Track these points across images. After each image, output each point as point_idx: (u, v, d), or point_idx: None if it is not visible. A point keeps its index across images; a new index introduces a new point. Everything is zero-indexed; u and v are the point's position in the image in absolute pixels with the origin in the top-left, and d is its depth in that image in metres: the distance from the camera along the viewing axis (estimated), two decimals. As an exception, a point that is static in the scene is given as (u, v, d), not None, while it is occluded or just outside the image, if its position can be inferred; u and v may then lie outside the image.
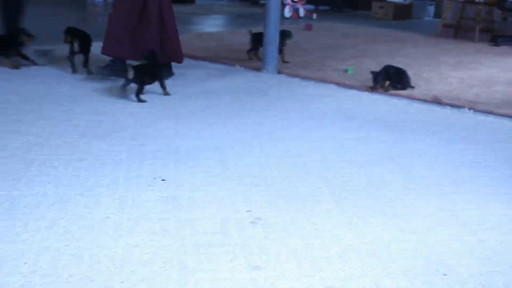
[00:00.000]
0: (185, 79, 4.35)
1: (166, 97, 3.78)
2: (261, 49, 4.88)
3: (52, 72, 4.30)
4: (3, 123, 3.04)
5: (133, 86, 3.66)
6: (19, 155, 2.58)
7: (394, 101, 4.07)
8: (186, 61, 5.04)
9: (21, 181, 2.31)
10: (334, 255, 1.88)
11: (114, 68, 4.05)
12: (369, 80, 4.31)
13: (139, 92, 3.60)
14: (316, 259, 1.85)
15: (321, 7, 11.20)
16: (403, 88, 4.29)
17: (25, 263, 1.72)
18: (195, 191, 2.32)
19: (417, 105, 3.98)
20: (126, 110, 3.42)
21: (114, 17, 4.10)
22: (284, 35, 4.89)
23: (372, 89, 4.27)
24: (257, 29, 5.14)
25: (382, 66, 4.37)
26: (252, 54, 5.10)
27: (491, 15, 7.80)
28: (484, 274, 1.80)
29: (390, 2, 10.25)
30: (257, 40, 4.94)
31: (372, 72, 4.30)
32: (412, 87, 4.32)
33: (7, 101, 3.46)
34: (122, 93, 3.67)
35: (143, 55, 3.76)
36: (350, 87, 4.39)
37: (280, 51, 4.85)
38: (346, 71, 4.88)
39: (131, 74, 3.57)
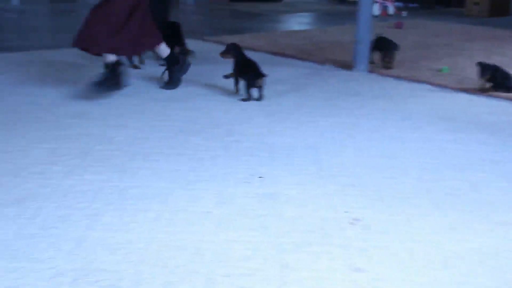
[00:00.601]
0: (276, 77, 4.37)
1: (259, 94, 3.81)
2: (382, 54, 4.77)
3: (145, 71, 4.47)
4: (109, 116, 3.18)
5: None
6: (124, 149, 2.70)
7: (493, 102, 3.90)
8: (275, 58, 5.09)
9: (126, 172, 2.42)
10: (438, 261, 1.83)
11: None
12: (466, 80, 4.14)
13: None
14: (418, 264, 1.81)
15: (411, 5, 10.90)
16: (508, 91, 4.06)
17: (134, 252, 1.80)
18: (292, 189, 2.33)
19: (519, 107, 3.79)
20: (220, 106, 3.49)
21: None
22: (391, 45, 4.73)
23: (483, 89, 4.07)
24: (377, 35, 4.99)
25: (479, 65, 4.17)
26: (377, 59, 4.86)
27: None
28: None
29: (485, -2, 9.82)
30: (378, 45, 4.77)
31: (480, 64, 4.07)
32: None
33: (111, 96, 3.62)
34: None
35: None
36: (445, 87, 4.25)
37: (385, 59, 4.73)
38: (440, 70, 4.73)
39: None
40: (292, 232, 1.98)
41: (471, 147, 2.95)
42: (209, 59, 4.87)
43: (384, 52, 4.73)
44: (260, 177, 2.43)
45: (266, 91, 3.87)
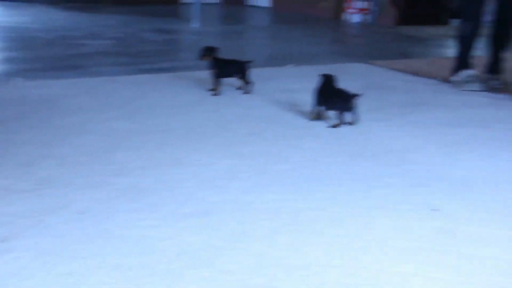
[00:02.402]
0: (444, 104, 4.21)
1: (428, 122, 3.69)
2: None
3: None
4: (282, 138, 3.29)
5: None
6: (300, 170, 2.76)
7: None
8: (444, 85, 4.89)
9: (303, 194, 2.48)
10: None
11: None
12: None
13: None
14: None
15: None
16: None
17: (312, 275, 1.84)
18: (472, 226, 2.22)
19: None
20: (389, 133, 3.44)
21: None
22: None
23: None
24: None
25: None
26: None
27: None
28: None
29: None
30: None
31: None
32: None
33: (279, 116, 3.73)
34: None
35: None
36: None
37: None
38: None
39: None
40: (472, 272, 1.88)
41: None
42: (374, 83, 4.84)
43: None
44: (436, 209, 2.35)
45: (435, 119, 3.75)
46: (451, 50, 7.57)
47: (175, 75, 4.87)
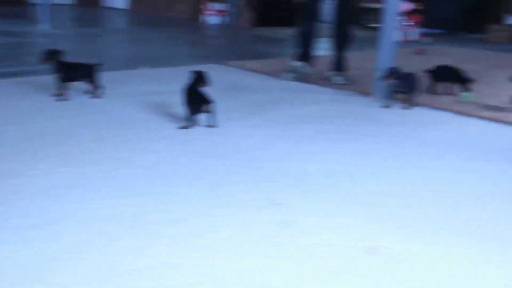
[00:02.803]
0: (297, 102, 4.40)
1: (280, 120, 3.83)
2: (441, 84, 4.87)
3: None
4: (130, 142, 3.23)
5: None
6: (144, 173, 2.72)
7: (515, 131, 3.86)
8: (297, 84, 5.12)
9: (147, 197, 2.44)
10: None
11: None
12: (489, 107, 4.12)
13: None
14: (437, 295, 1.79)
15: (436, 31, 10.90)
16: None
17: (150, 277, 1.82)
18: (310, 216, 2.33)
19: (543, 136, 3.75)
20: (243, 131, 3.51)
21: None
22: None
23: None
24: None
25: (500, 92, 4.16)
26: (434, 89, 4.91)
27: None
28: None
29: (509, 25, 9.80)
30: (438, 75, 4.87)
31: None
32: None
33: (131, 120, 3.67)
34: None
35: None
36: (468, 114, 4.23)
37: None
38: (462, 97, 4.70)
39: None
40: (310, 261, 1.97)
41: (493, 176, 2.92)
42: (230, 83, 4.92)
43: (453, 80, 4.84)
44: (279, 203, 2.44)
45: (288, 117, 3.90)
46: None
47: (17, 81, 4.58)
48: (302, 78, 5.24)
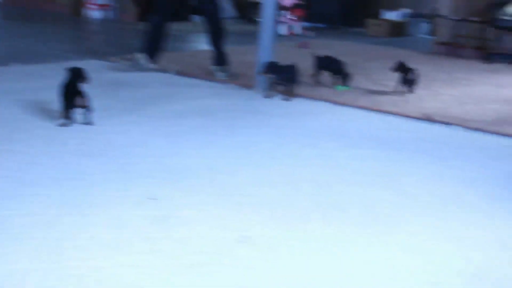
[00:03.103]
0: (179, 97, 4.37)
1: (160, 115, 3.78)
2: (324, 72, 5.03)
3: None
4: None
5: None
6: (12, 176, 2.57)
7: (388, 118, 4.09)
8: (180, 79, 5.09)
9: (12, 200, 2.31)
10: (324, 275, 1.88)
11: None
12: (364, 97, 4.32)
13: None
14: (306, 278, 1.85)
15: (318, 25, 11.28)
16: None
17: (15, 282, 1.72)
18: (186, 210, 2.32)
19: (410, 123, 4.00)
20: (120, 128, 3.43)
21: None
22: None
23: None
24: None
25: (376, 82, 4.40)
26: (317, 79, 5.08)
27: (484, 33, 7.86)
28: (472, 293, 1.81)
29: (385, 19, 10.35)
30: (321, 64, 5.01)
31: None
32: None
33: (2, 120, 3.46)
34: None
35: None
36: (344, 104, 4.42)
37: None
38: (338, 87, 4.91)
39: None
40: (185, 254, 1.97)
41: (363, 162, 3.07)
42: (110, 79, 4.79)
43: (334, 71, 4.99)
44: (154, 199, 2.41)
45: (168, 112, 3.86)
46: (190, 44, 7.91)
47: None
48: (143, 69, 5.26)
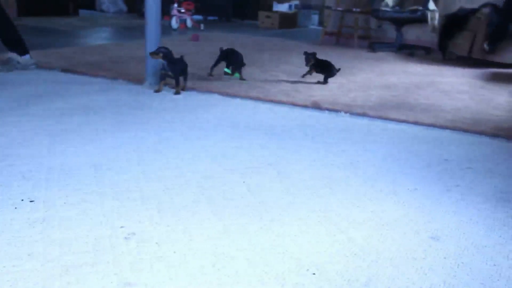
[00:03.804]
0: (63, 95, 4.19)
1: (43, 114, 3.61)
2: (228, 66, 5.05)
3: None
4: None
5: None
6: None
7: (276, 108, 4.17)
8: (66, 76, 4.88)
9: None
10: (208, 265, 1.88)
11: None
12: (254, 88, 4.37)
13: None
14: (189, 270, 1.84)
15: (210, 18, 11.27)
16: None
17: None
18: (68, 211, 2.23)
19: (298, 111, 4.10)
20: (-4, 129, 3.24)
21: None
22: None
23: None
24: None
25: (267, 73, 4.48)
26: (212, 71, 5.13)
27: (367, 23, 8.24)
28: (350, 270, 1.88)
29: (276, 12, 10.55)
30: (224, 57, 5.01)
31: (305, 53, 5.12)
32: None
33: None
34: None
35: None
36: (234, 95, 4.45)
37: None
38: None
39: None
40: (62, 256, 1.89)
41: (251, 151, 3.11)
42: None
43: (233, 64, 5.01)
44: (31, 201, 2.29)
45: (49, 111, 3.70)
46: (76, 40, 7.62)
47: None
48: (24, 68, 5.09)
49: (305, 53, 5.15)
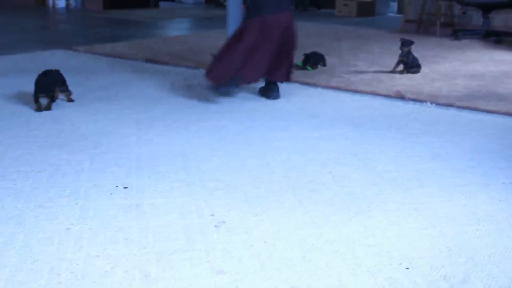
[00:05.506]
0: (149, 84, 4.31)
1: (129, 103, 3.73)
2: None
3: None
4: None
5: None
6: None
7: (357, 97, 4.10)
8: (150, 66, 5.02)
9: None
10: (297, 256, 1.87)
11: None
12: (334, 78, 4.30)
13: None
14: (279, 260, 1.84)
15: (286, 7, 11.21)
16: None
17: (-18, 280, 1.68)
18: (158, 198, 2.29)
19: (381, 101, 4.01)
20: (88, 117, 3.37)
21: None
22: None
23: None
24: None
25: (346, 62, 4.40)
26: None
27: (451, 9, 7.92)
28: (445, 266, 1.82)
29: (353, 0, 10.35)
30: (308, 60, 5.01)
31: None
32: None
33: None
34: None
35: None
36: (314, 85, 4.41)
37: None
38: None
39: None
40: (156, 242, 1.94)
41: (334, 141, 3.07)
42: (77, 69, 4.70)
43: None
44: (125, 187, 2.37)
45: (137, 99, 3.81)
46: (157, 31, 7.80)
47: None
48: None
49: (402, 39, 4.97)
